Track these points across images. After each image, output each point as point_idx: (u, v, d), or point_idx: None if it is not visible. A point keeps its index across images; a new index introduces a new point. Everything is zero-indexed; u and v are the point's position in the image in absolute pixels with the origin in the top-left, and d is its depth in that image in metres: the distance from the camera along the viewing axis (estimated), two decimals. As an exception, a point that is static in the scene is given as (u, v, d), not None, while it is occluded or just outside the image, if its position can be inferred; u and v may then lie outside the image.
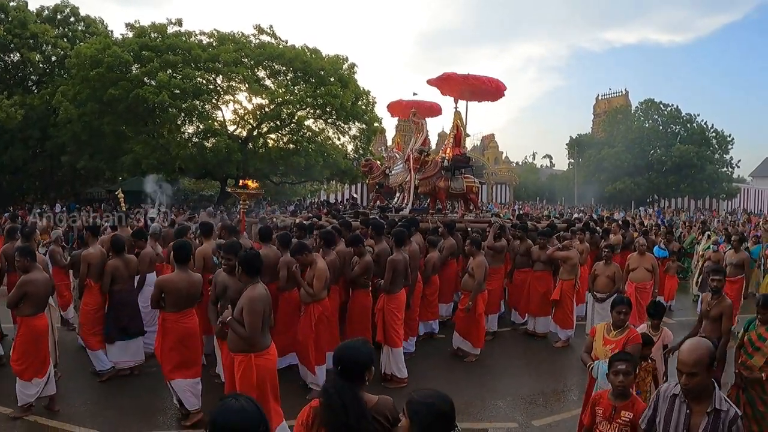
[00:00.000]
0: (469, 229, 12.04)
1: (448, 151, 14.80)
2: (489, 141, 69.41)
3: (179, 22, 32.29)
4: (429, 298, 9.85)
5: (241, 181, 11.68)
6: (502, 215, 19.08)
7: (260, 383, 5.37)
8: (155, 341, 6.75)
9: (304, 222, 10.85)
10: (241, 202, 11.11)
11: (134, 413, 6.82)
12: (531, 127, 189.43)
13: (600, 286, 9.63)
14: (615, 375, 4.40)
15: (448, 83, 14.83)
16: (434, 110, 17.66)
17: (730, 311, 6.54)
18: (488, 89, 14.95)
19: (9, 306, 6.87)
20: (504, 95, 15.59)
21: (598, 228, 14.25)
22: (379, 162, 17.56)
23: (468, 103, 15.48)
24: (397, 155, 15.94)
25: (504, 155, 69.88)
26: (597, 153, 55.22)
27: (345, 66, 34.01)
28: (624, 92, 77.06)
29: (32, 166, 35.53)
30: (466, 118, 15.33)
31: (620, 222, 15.75)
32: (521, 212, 28.60)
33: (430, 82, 14.96)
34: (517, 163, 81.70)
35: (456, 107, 15.23)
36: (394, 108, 18.28)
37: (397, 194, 16.09)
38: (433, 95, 16.29)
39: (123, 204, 17.31)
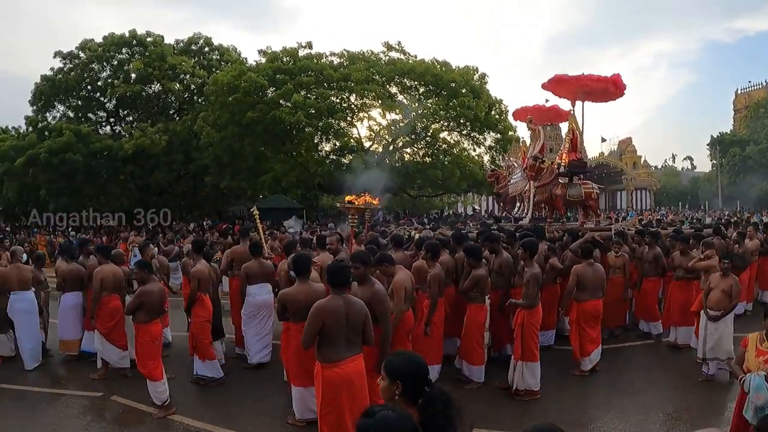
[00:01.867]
0: None
1: (563, 156, 14.29)
2: (626, 145, 67.18)
3: (309, 45, 33.76)
4: (547, 307, 9.28)
5: (347, 197, 12.05)
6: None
7: (329, 395, 5.23)
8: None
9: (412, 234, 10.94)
10: (350, 216, 11.46)
11: (267, 415, 7.19)
12: (667, 128, 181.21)
13: (713, 301, 8.05)
14: None
15: (561, 85, 14.55)
16: (563, 115, 17.23)
17: None
18: (604, 88, 14.40)
19: (127, 313, 7.71)
20: (624, 93, 14.89)
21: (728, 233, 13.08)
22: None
23: (584, 105, 15.02)
24: (515, 164, 15.92)
25: (642, 159, 66.97)
26: (741, 151, 52.19)
27: (476, 76, 34.04)
28: (765, 84, 72.35)
29: (177, 187, 38.00)
30: (582, 121, 14.94)
31: (757, 225, 14.79)
32: (658, 218, 27.45)
33: (543, 86, 14.76)
34: (656, 167, 78.70)
35: (572, 110, 14.86)
36: (521, 114, 18.09)
37: (518, 204, 15.92)
38: (563, 101, 15.95)
39: (259, 221, 18.25)
